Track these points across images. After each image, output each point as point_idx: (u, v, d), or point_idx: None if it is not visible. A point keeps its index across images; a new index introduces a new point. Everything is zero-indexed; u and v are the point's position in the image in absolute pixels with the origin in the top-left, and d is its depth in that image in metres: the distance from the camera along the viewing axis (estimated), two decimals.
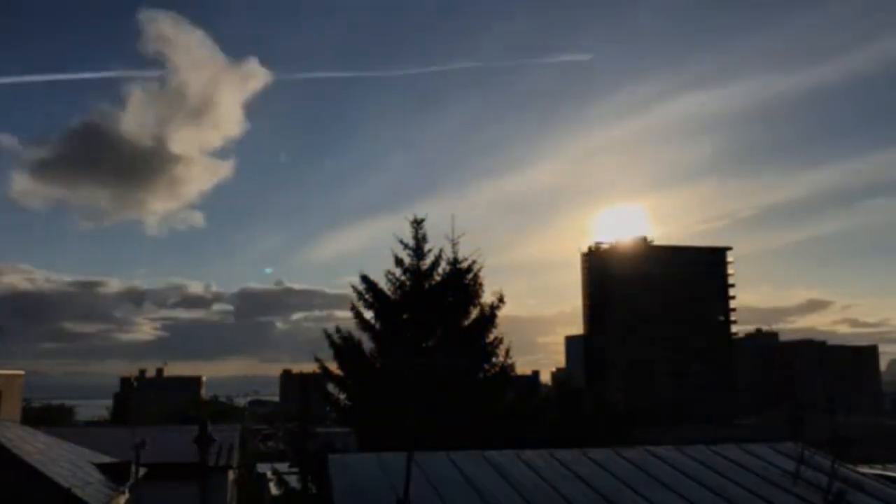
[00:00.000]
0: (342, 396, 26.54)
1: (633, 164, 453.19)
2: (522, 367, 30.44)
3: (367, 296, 26.09)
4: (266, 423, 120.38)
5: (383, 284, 26.27)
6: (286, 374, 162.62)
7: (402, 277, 26.24)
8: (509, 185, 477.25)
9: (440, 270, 26.38)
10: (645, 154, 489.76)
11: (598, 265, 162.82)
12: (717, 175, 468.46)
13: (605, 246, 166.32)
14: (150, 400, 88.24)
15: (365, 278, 26.23)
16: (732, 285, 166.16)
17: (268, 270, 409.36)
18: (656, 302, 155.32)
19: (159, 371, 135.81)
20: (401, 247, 26.38)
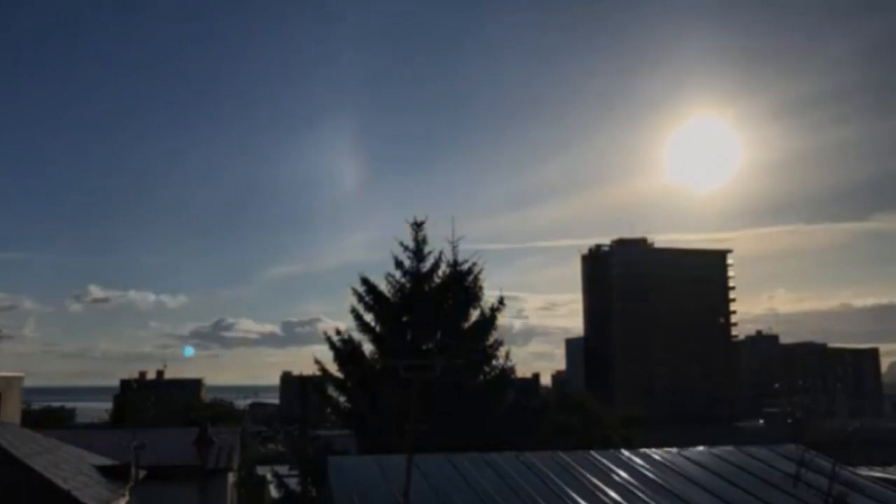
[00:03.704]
0: (342, 399, 26.53)
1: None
2: (523, 370, 30.42)
3: (367, 298, 26.07)
4: (266, 426, 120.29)
5: (383, 287, 26.31)
6: (286, 377, 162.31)
7: (402, 280, 26.24)
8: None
9: (440, 273, 26.39)
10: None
11: (598, 267, 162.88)
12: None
13: (605, 248, 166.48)
14: (151, 402, 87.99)
15: (365, 281, 26.22)
16: (733, 287, 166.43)
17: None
18: (656, 304, 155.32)
19: (159, 373, 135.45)
20: (401, 249, 26.43)
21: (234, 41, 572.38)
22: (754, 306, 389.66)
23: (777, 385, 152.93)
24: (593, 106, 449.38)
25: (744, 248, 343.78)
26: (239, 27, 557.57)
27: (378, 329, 25.83)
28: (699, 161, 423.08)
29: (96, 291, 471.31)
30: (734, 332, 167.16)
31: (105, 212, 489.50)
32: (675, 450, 15.50)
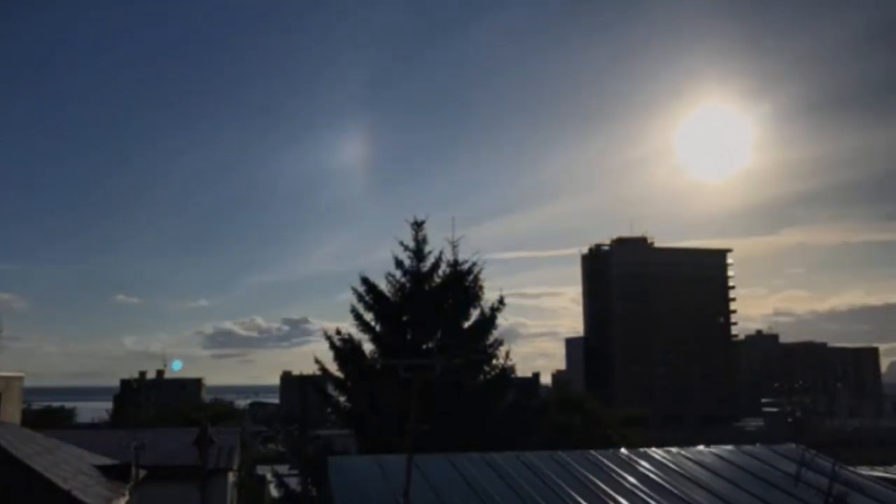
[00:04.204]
0: (342, 398, 26.52)
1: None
2: (523, 370, 30.51)
3: (367, 298, 26.07)
4: (266, 426, 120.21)
5: (383, 286, 26.31)
6: (286, 377, 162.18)
7: (403, 279, 26.24)
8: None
9: (440, 272, 26.39)
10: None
11: (598, 267, 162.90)
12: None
13: (605, 248, 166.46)
14: (151, 402, 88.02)
15: (365, 280, 26.22)
16: (733, 287, 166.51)
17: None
18: (656, 304, 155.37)
19: (159, 373, 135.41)
20: (401, 248, 26.43)
21: (235, 41, 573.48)
22: (754, 306, 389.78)
23: (777, 385, 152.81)
24: (593, 106, 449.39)
25: (744, 248, 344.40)
26: (239, 27, 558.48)
27: (378, 328, 25.82)
28: (701, 161, 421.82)
29: (97, 292, 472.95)
30: (734, 332, 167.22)
31: (105, 213, 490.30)
32: (675, 449, 15.49)
